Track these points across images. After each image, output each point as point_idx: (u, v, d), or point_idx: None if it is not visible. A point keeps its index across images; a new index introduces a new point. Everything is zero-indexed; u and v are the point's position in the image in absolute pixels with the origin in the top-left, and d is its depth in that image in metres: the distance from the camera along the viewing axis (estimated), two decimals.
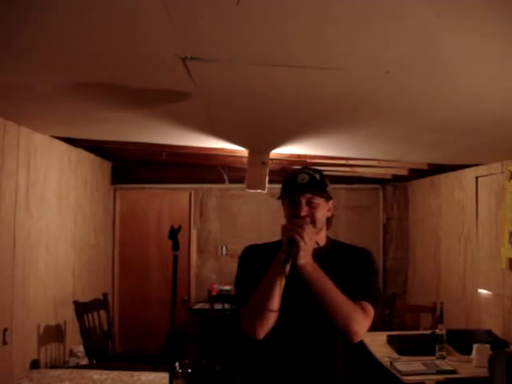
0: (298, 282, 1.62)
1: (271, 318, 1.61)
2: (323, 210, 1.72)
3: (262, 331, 1.63)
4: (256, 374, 1.78)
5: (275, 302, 1.60)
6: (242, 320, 1.68)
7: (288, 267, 1.55)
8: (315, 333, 1.70)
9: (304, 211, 1.67)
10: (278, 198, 1.77)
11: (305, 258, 1.58)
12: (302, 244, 1.56)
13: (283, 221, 1.75)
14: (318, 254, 1.68)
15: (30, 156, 3.59)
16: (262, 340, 1.65)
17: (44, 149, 3.83)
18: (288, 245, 1.57)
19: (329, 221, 1.79)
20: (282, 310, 1.62)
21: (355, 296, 1.65)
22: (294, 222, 1.64)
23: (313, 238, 1.62)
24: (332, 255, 1.78)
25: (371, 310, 1.69)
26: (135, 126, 3.28)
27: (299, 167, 1.83)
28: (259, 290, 1.63)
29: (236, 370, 4.58)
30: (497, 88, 2.04)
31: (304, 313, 1.69)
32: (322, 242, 1.79)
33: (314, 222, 1.67)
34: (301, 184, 1.69)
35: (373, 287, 1.75)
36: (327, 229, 1.82)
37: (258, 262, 1.71)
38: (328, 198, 1.74)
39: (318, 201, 1.70)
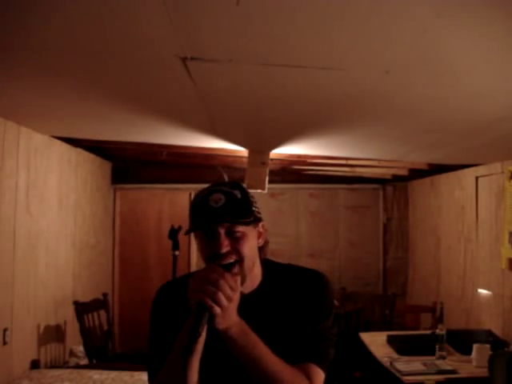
0: (222, 344, 1.20)
1: None
2: (252, 239, 1.27)
3: None
4: None
5: (191, 380, 1.17)
6: None
7: (196, 346, 1.14)
8: None
9: (224, 247, 1.21)
10: (186, 232, 1.29)
11: (225, 323, 1.15)
12: (217, 310, 1.11)
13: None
14: (247, 300, 1.26)
15: (29, 156, 3.59)
16: None
17: (44, 149, 3.83)
18: (197, 312, 1.11)
19: (261, 250, 1.35)
20: (205, 379, 1.24)
21: (299, 357, 1.26)
22: (205, 276, 1.15)
23: (235, 295, 1.15)
24: (267, 299, 1.33)
25: (320, 375, 1.27)
26: (135, 126, 3.27)
27: (212, 184, 1.34)
28: (167, 365, 1.21)
29: None
30: (497, 88, 2.04)
31: (236, 380, 1.28)
32: (256, 281, 1.34)
33: (240, 262, 1.22)
34: (215, 209, 1.21)
35: (324, 337, 1.31)
36: (261, 258, 1.37)
37: (172, 310, 1.31)
38: (255, 220, 1.28)
39: (243, 229, 1.24)
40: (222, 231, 1.22)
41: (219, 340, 1.19)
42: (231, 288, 1.14)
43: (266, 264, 1.39)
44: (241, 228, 1.23)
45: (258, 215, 1.30)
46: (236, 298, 1.16)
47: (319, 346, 1.29)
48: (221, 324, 1.14)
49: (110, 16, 1.49)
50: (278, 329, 1.28)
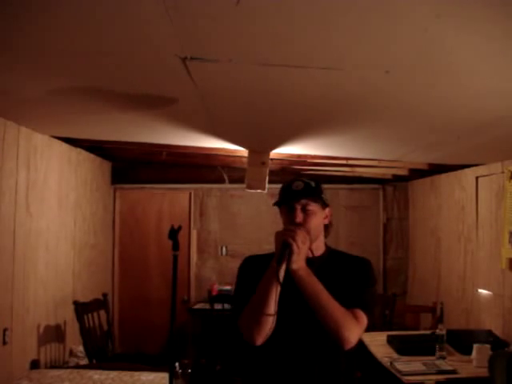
0: (294, 288, 1.62)
1: (268, 323, 1.61)
2: (319, 217, 1.73)
3: (260, 337, 1.63)
4: (255, 378, 1.81)
5: (271, 307, 1.60)
6: (240, 328, 1.70)
7: (282, 272, 1.58)
8: (311, 338, 1.70)
9: (298, 217, 1.68)
10: (274, 204, 1.79)
11: (298, 263, 1.58)
12: (294, 247, 1.56)
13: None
14: (314, 263, 1.68)
15: (29, 156, 3.59)
16: (261, 346, 1.65)
17: (44, 149, 3.83)
18: (281, 248, 1.58)
19: (327, 229, 1.81)
20: (279, 315, 1.62)
21: (348, 303, 1.64)
22: (287, 227, 1.66)
23: (306, 243, 1.61)
24: (328, 264, 1.77)
25: (364, 318, 1.67)
26: (135, 126, 3.28)
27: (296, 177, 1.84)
28: (255, 296, 1.64)
29: (236, 370, 4.57)
30: (497, 88, 2.04)
31: (300, 318, 1.69)
32: (320, 250, 1.79)
33: (308, 229, 1.66)
34: (295, 191, 1.71)
35: (367, 296, 1.73)
36: (325, 236, 1.82)
37: (255, 272, 1.71)
38: (323, 204, 1.75)
39: (313, 207, 1.71)
40: (298, 207, 1.70)
41: (289, 287, 1.60)
42: (304, 236, 1.60)
43: (328, 246, 1.84)
44: (311, 206, 1.71)
45: (326, 201, 1.76)
46: (306, 245, 1.61)
47: (364, 298, 1.70)
48: (295, 262, 1.57)
49: (110, 16, 1.49)
50: (334, 286, 1.64)
